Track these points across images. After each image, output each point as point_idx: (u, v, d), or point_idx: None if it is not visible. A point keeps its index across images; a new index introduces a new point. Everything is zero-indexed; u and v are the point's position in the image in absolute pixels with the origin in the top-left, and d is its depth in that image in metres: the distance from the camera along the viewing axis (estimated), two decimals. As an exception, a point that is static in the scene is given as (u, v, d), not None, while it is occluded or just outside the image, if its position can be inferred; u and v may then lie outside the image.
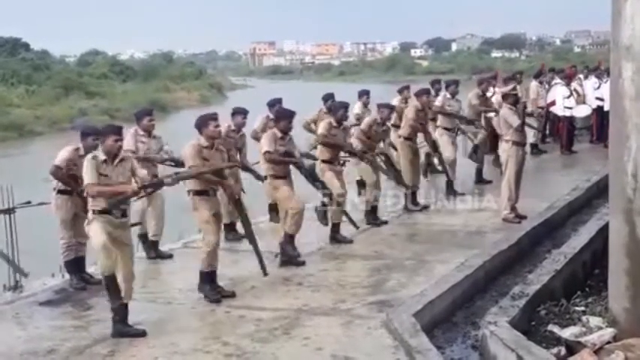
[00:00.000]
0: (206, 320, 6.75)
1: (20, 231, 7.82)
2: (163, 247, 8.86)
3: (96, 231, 6.28)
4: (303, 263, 8.22)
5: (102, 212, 6.28)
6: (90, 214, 6.33)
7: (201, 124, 7.20)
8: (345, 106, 9.19)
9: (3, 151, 32.02)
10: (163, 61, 72.71)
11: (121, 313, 6.33)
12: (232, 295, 7.23)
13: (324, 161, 9.11)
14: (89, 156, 6.39)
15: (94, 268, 7.43)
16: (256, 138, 9.63)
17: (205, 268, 7.16)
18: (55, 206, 7.65)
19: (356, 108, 11.63)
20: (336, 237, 9.11)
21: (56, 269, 7.92)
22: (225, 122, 8.84)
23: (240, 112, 9.38)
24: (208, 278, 7.17)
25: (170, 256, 8.64)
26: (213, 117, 7.32)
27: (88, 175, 6.26)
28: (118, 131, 6.47)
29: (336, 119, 9.07)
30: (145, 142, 8.42)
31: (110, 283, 6.34)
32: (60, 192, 7.59)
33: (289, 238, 8.25)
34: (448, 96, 11.71)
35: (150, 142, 8.47)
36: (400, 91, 12.18)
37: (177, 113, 39.78)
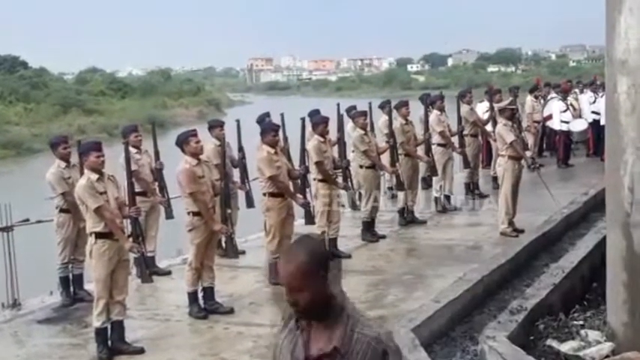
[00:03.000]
0: (204, 337, 6.75)
1: (18, 249, 7.83)
2: (161, 264, 8.85)
3: (97, 267, 6.25)
4: None
5: (102, 236, 6.25)
6: (91, 239, 6.27)
7: (183, 141, 7.23)
8: (325, 121, 9.18)
9: (1, 168, 32.03)
10: (161, 78, 72.77)
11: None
12: (230, 311, 7.22)
13: (320, 180, 9.08)
14: (82, 180, 6.34)
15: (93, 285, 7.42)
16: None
17: (190, 288, 7.20)
18: (56, 224, 7.65)
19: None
20: (333, 252, 9.10)
21: (54, 287, 7.91)
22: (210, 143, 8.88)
23: (216, 125, 9.40)
24: (195, 297, 7.20)
25: (168, 273, 8.63)
26: (193, 133, 7.35)
27: (91, 200, 6.22)
28: (97, 147, 6.47)
29: (319, 134, 9.07)
30: (139, 158, 8.49)
31: (101, 335, 6.29)
32: (62, 210, 7.60)
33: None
34: (438, 112, 11.66)
35: (142, 158, 8.54)
36: (382, 107, 12.08)
37: (175, 130, 39.81)
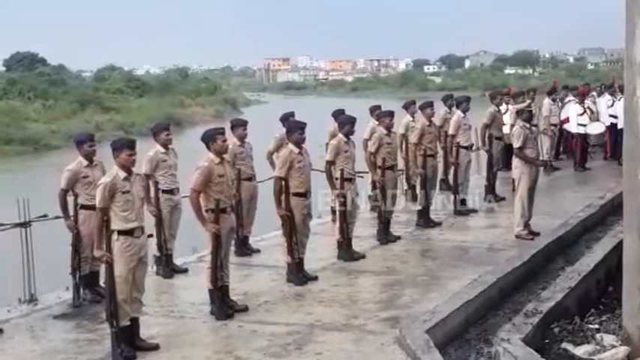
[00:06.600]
0: (219, 334, 6.77)
1: (35, 244, 7.89)
2: (177, 261, 8.89)
3: (119, 264, 6.21)
4: (315, 278, 8.23)
5: (125, 233, 6.26)
6: (114, 236, 6.22)
7: (209, 139, 7.24)
8: (352, 121, 9.19)
9: (19, 164, 32.29)
10: (178, 77, 73.14)
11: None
12: (245, 309, 7.24)
13: (337, 179, 9.08)
14: (106, 178, 6.34)
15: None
16: (271, 159, 9.70)
17: (211, 285, 7.17)
18: (79, 221, 7.64)
19: (371, 123, 11.64)
20: (349, 252, 9.10)
21: (71, 283, 7.95)
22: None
23: (240, 125, 9.45)
24: (215, 295, 7.16)
25: (185, 271, 8.67)
26: (221, 132, 7.34)
27: (98, 198, 6.23)
28: (131, 145, 6.45)
29: (344, 134, 9.09)
30: (167, 159, 8.53)
31: (123, 333, 6.21)
32: (83, 207, 7.60)
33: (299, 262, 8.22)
34: (461, 114, 11.72)
35: (170, 156, 8.58)
36: (406, 107, 12.18)
37: (192, 128, 40.02)
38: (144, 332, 6.48)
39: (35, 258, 7.82)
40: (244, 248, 9.34)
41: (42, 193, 8.03)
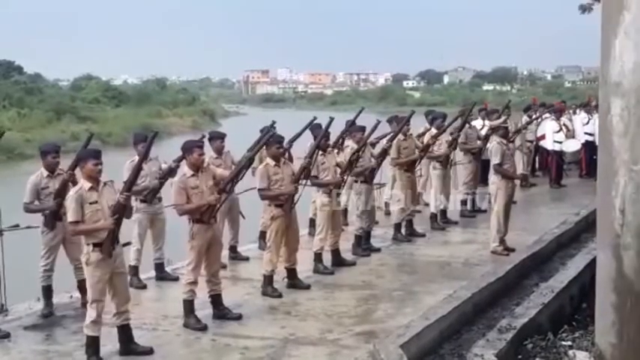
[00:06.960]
0: (191, 348, 6.71)
1: (6, 254, 7.77)
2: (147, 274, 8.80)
3: (93, 274, 6.20)
4: (308, 287, 8.28)
5: (99, 245, 6.21)
6: (88, 247, 6.22)
7: (187, 150, 7.24)
8: (325, 136, 9.17)
9: (-8, 173, 31.88)
10: (156, 87, 72.81)
11: None
12: (239, 317, 7.32)
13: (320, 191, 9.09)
14: (71, 192, 6.32)
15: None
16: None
17: (188, 297, 7.13)
18: (41, 231, 7.58)
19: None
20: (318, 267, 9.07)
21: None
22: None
23: (218, 137, 9.42)
24: (191, 307, 7.13)
25: (176, 279, 8.55)
26: (199, 145, 7.33)
27: (69, 212, 6.21)
28: (96, 155, 6.41)
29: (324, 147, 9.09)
30: (144, 169, 8.47)
31: (93, 344, 6.24)
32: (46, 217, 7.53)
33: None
34: (435, 131, 11.72)
35: (149, 166, 8.50)
36: (390, 122, 12.23)
37: (170, 139, 39.82)
38: (115, 345, 6.41)
39: (5, 268, 7.70)
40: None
41: (14, 203, 7.90)
